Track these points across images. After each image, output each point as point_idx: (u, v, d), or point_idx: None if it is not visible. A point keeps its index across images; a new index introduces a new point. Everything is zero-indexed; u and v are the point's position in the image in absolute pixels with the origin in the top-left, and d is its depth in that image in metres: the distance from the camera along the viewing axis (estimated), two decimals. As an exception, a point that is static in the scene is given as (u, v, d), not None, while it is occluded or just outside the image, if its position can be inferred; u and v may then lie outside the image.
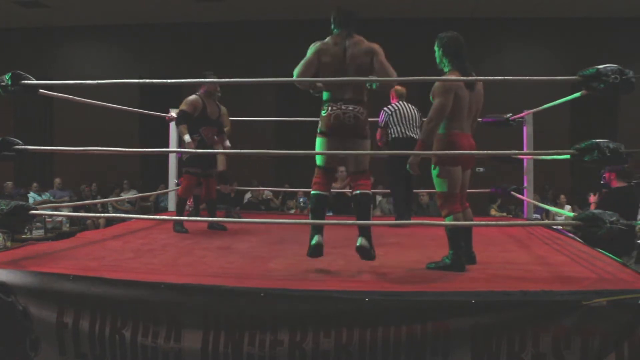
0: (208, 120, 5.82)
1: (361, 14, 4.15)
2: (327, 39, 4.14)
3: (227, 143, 6.14)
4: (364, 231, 3.97)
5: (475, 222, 4.31)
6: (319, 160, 4.19)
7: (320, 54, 4.08)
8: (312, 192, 4.14)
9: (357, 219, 4.07)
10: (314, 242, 4.02)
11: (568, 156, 3.93)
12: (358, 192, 4.09)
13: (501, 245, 5.06)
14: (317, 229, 4.07)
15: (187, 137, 5.56)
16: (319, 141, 4.14)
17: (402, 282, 3.70)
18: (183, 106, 5.73)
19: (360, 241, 3.94)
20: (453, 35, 4.06)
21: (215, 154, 6.18)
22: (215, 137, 6.02)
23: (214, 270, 3.98)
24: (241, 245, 5.04)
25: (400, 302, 3.22)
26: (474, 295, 3.21)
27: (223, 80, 4.92)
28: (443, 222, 4.04)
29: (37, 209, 4.53)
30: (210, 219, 5.55)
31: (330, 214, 9.19)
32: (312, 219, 4.13)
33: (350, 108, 4.00)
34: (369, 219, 4.08)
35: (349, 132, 4.04)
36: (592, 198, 7.21)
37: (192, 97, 5.79)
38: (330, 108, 4.03)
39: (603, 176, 6.38)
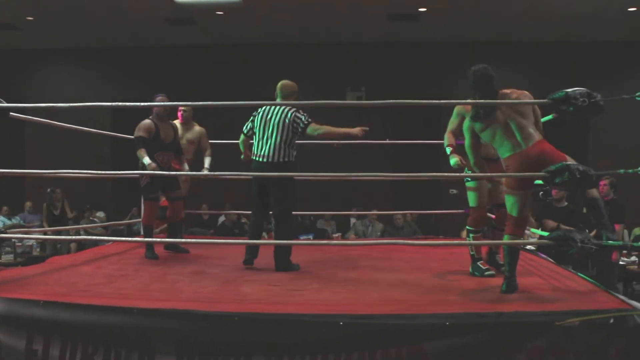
0: (162, 145, 5.62)
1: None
2: None
3: (186, 166, 5.94)
4: None
5: (443, 242, 4.23)
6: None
7: None
8: None
9: None
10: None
11: (540, 180, 3.99)
12: None
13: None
14: None
15: (146, 160, 5.35)
16: None
17: (376, 305, 3.69)
18: (138, 132, 5.53)
19: None
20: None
21: (176, 177, 5.89)
22: (176, 161, 5.86)
23: (187, 295, 3.94)
24: (214, 269, 4.99)
25: (375, 325, 3.22)
26: (448, 318, 3.22)
27: (194, 103, 4.92)
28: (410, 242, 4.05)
29: (6, 233, 4.46)
30: (179, 240, 5.46)
31: (311, 237, 9.23)
32: None
33: None
34: None
35: None
36: None
37: (146, 121, 5.59)
38: None
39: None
